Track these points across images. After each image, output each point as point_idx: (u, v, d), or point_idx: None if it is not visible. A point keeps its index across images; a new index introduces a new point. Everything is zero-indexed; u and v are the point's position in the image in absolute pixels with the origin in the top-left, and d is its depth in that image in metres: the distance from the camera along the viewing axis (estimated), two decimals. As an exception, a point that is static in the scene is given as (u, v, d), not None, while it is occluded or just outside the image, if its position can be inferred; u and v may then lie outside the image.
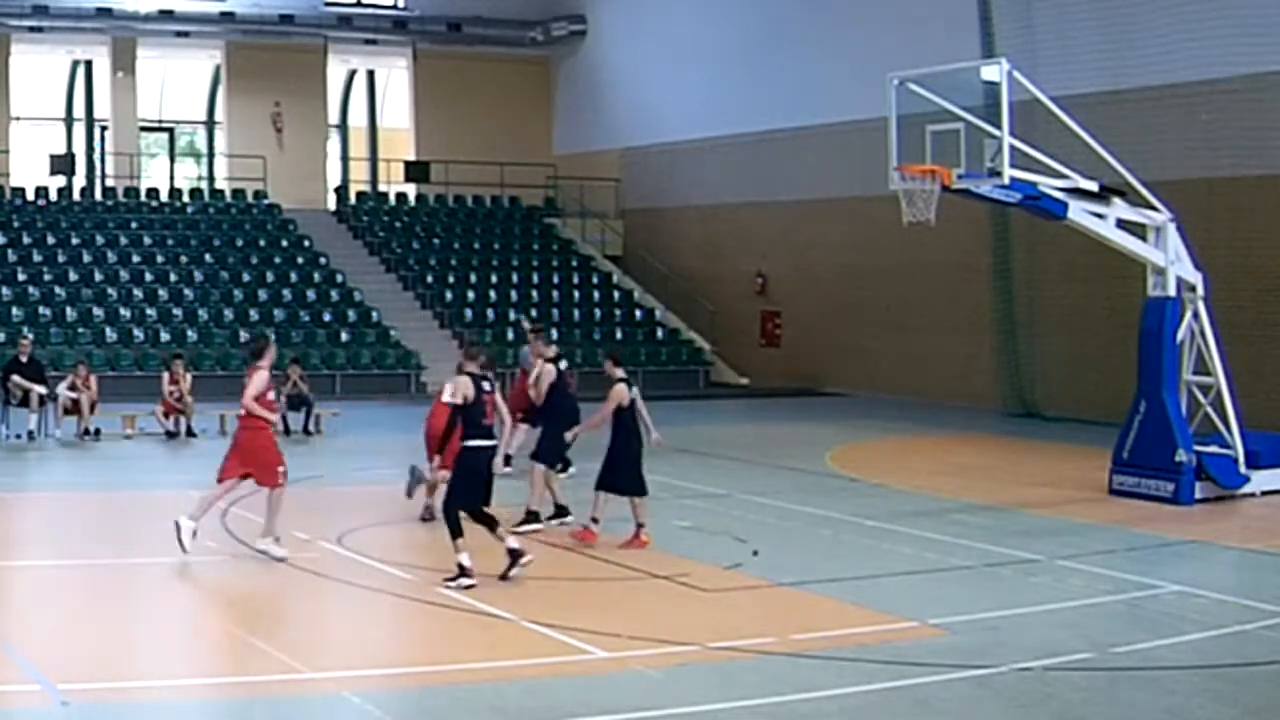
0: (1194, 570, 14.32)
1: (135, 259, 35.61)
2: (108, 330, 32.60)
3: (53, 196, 37.73)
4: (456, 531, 12.73)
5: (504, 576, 12.82)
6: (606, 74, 41.30)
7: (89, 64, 40.81)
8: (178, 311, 33.83)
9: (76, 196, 38.39)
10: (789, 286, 36.01)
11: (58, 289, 33.78)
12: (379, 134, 44.49)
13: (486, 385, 13.12)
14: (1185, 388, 18.67)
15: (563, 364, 16.80)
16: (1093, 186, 18.04)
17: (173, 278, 35.08)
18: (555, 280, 38.61)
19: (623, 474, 14.61)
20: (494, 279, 37.92)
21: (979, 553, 14.75)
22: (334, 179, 42.57)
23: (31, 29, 37.89)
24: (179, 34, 39.38)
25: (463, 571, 12.68)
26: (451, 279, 37.61)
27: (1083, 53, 26.67)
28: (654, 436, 15.03)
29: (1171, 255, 18.42)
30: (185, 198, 39.80)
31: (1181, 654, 10.90)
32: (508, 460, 14.32)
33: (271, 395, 14.54)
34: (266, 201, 39.50)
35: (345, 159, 43.85)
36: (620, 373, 14.87)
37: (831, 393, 33.82)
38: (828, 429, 26.68)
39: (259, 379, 14.12)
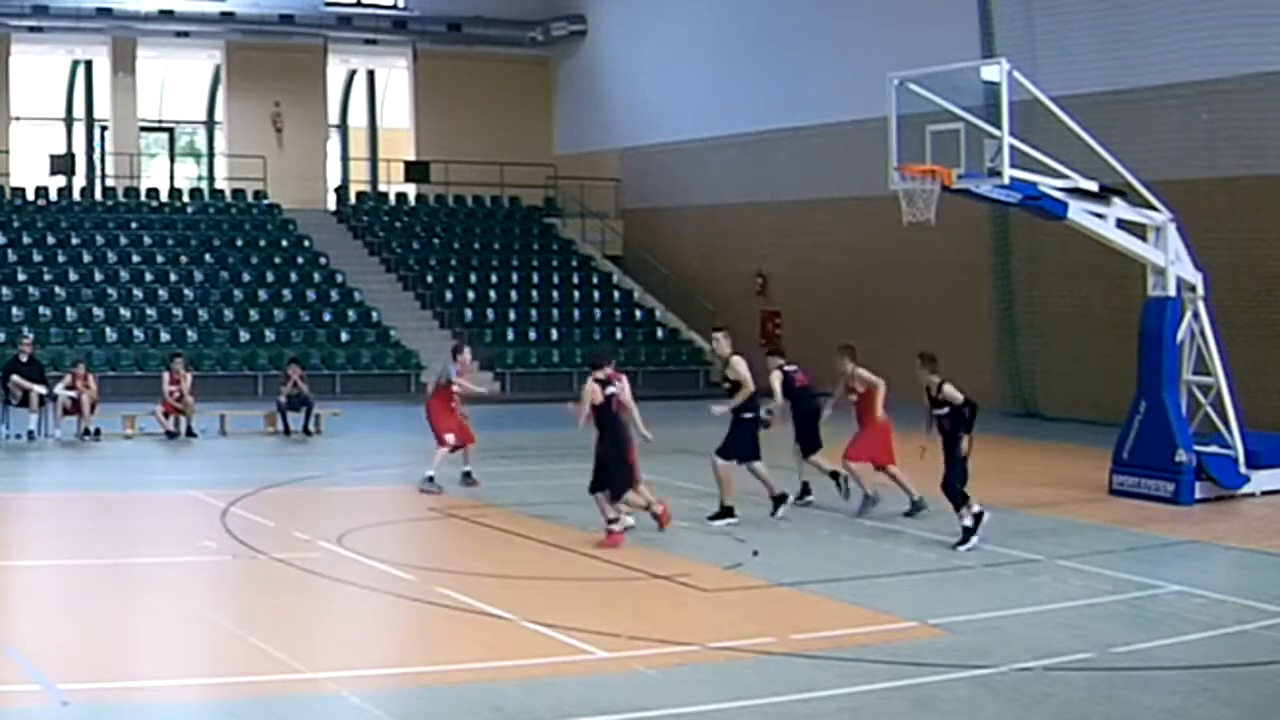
0: (1194, 570, 14.31)
1: (135, 259, 35.61)
2: (108, 330, 32.60)
3: (53, 196, 37.71)
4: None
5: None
6: (606, 74, 41.27)
7: (89, 64, 40.79)
8: (178, 311, 33.83)
9: (76, 196, 38.38)
10: (789, 286, 35.97)
11: (58, 289, 33.78)
12: (379, 134, 44.46)
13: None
14: (1185, 388, 18.64)
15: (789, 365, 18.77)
16: (1093, 186, 18.01)
17: (173, 278, 35.08)
18: (555, 280, 38.59)
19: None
20: (494, 279, 37.91)
21: (979, 553, 14.74)
22: (334, 179, 42.53)
23: (31, 29, 37.85)
24: (179, 34, 39.34)
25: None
26: (451, 279, 37.61)
27: (1083, 53, 26.62)
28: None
29: (1171, 255, 18.40)
30: (185, 198, 39.77)
31: (1181, 654, 10.89)
32: None
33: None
34: (266, 201, 39.47)
35: (345, 159, 43.82)
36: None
37: (831, 393, 33.70)
38: (827, 428, 26.59)
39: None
